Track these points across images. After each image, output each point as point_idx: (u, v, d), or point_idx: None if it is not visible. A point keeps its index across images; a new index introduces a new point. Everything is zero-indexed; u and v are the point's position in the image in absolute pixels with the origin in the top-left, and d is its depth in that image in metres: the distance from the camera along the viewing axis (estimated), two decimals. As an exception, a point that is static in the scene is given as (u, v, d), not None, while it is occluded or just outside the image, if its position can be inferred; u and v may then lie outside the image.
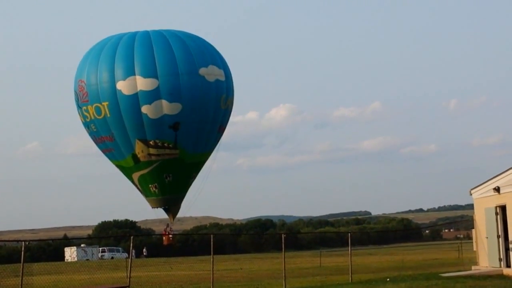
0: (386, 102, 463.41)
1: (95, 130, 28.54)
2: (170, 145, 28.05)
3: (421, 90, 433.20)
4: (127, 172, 29.19)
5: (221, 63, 29.15)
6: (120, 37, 28.41)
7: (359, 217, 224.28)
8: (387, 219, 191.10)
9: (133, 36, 28.20)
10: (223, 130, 30.18)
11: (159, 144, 27.92)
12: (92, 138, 29.28)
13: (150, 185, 29.06)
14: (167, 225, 30.60)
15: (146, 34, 28.24)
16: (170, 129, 27.73)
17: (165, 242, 30.91)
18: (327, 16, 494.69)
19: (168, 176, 28.81)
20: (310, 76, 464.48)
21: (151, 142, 27.86)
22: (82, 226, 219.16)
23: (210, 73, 28.24)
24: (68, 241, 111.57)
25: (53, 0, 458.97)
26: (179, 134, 27.95)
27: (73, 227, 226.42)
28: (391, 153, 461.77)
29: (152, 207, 29.81)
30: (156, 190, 29.12)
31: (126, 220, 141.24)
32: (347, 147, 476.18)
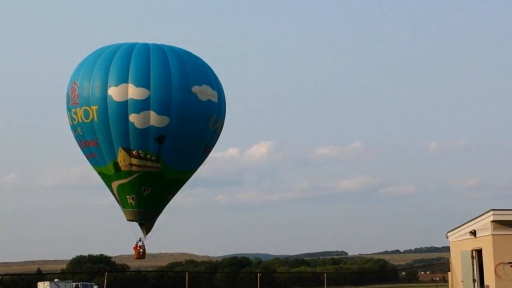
0: (366, 142, 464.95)
1: (81, 133, 28.35)
2: (153, 158, 27.86)
3: (402, 131, 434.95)
4: (107, 179, 28.88)
5: (216, 85, 29.17)
6: (119, 46, 28.52)
7: (336, 257, 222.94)
8: (363, 260, 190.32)
9: (132, 46, 28.32)
10: (208, 151, 29.99)
11: (141, 155, 27.73)
12: (78, 142, 29.07)
13: (127, 196, 28.73)
14: (139, 239, 29.84)
15: (146, 46, 28.34)
16: (154, 141, 27.57)
17: (134, 256, 30.32)
18: (309, 55, 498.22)
19: (147, 189, 28.52)
20: (292, 114, 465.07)
21: (134, 152, 27.67)
22: (56, 260, 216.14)
23: (203, 92, 28.23)
24: (42, 275, 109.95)
25: (42, 27, 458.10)
26: (163, 147, 27.78)
27: (47, 261, 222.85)
28: (370, 193, 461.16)
29: (127, 219, 29.41)
30: (133, 202, 28.76)
31: (101, 255, 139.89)
32: (326, 186, 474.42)
